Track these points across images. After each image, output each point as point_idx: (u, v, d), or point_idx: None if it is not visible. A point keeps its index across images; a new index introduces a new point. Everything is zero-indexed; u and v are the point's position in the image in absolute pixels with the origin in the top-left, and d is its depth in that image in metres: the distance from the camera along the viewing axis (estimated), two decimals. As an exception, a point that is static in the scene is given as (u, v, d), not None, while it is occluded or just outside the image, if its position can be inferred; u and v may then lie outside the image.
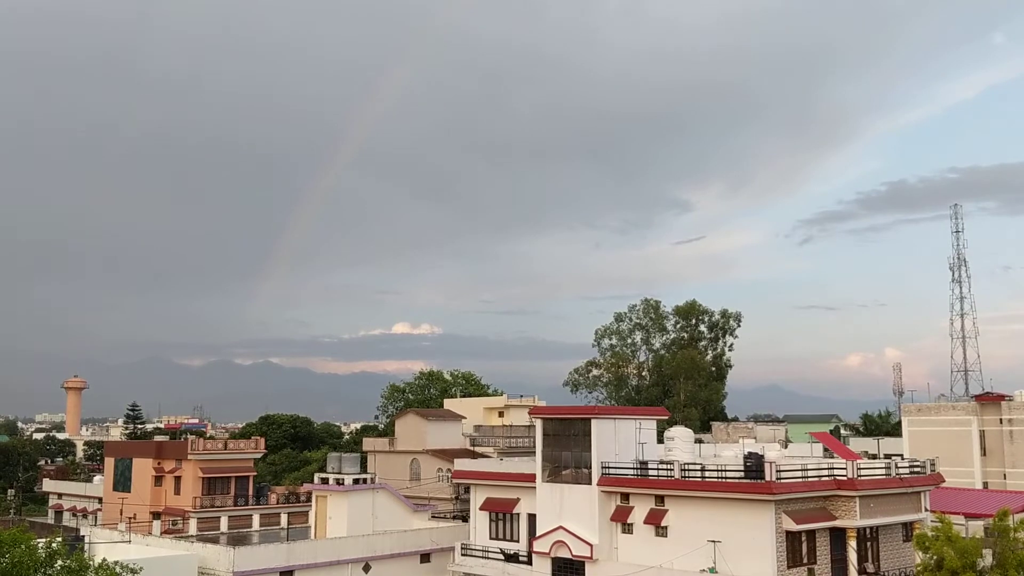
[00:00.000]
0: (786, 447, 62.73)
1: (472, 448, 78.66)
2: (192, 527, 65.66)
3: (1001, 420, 75.13)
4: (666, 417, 56.42)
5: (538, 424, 50.89)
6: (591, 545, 46.34)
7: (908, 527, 46.35)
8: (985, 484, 73.35)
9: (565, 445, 48.90)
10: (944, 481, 50.51)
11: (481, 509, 54.02)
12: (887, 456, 67.30)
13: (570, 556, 47.30)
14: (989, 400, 77.47)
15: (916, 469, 47.38)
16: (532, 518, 50.45)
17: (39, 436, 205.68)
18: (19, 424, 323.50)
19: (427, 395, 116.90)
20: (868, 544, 44.81)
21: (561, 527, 47.82)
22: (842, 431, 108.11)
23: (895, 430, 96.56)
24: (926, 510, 47.06)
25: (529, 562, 49.80)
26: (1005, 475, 73.71)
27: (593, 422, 47.68)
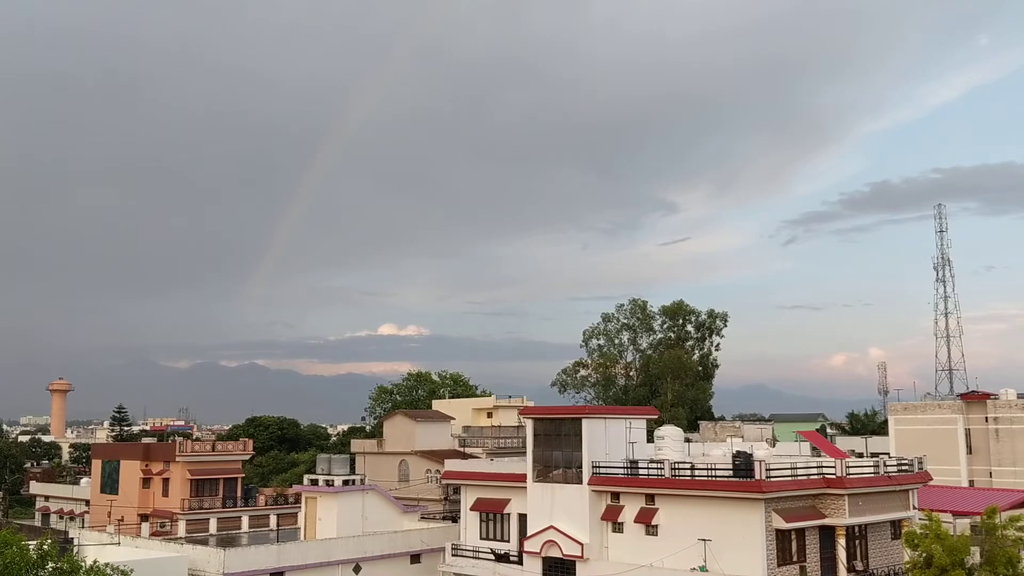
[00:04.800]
0: (774, 446, 63.13)
1: (461, 449, 78.75)
2: (181, 529, 65.51)
3: (987, 419, 75.74)
4: (656, 416, 56.66)
5: (528, 424, 51.04)
6: (582, 544, 46.51)
7: (896, 525, 46.76)
8: (971, 482, 73.94)
9: (555, 445, 49.04)
10: (932, 479, 50.93)
11: (471, 509, 54.10)
12: (873, 455, 67.76)
13: (561, 556, 47.45)
14: (975, 399, 78.05)
15: (904, 467, 47.76)
16: (523, 518, 50.56)
17: (24, 438, 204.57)
18: (3, 426, 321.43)
19: (415, 396, 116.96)
20: (857, 542, 45.12)
21: (552, 527, 47.97)
22: (828, 430, 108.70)
23: (881, 429, 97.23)
24: (914, 508, 47.46)
25: (520, 562, 49.92)
26: (991, 473, 74.35)
27: (584, 422, 47.86)
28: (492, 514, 53.11)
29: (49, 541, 37.44)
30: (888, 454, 65.10)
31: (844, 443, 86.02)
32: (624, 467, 46.69)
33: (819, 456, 50.11)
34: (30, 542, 37.61)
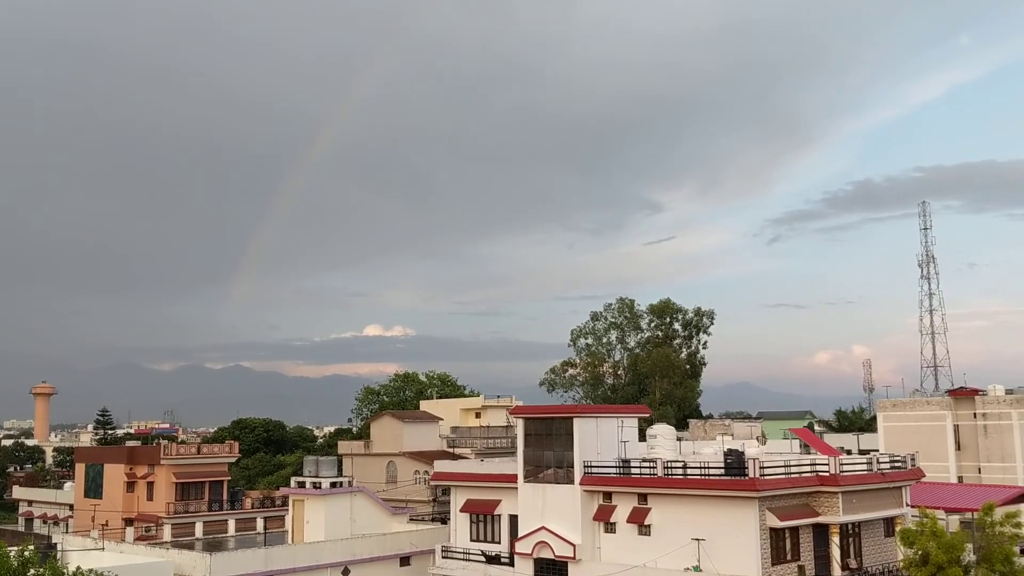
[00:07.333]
0: (764, 444, 62.73)
1: (450, 450, 78.17)
2: (166, 533, 64.54)
3: (975, 415, 75.57)
4: (648, 415, 56.19)
5: (519, 424, 50.47)
6: (574, 545, 46.00)
7: (890, 522, 46.46)
8: (960, 478, 73.77)
9: (547, 445, 48.48)
10: (924, 476, 50.66)
11: (462, 511, 53.53)
12: (862, 452, 67.42)
13: (553, 557, 46.93)
14: (963, 395, 77.88)
15: (897, 464, 47.45)
16: (514, 519, 50.05)
17: (7, 443, 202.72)
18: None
19: (402, 397, 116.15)
20: (851, 540, 44.81)
21: (543, 527, 47.45)
22: (816, 427, 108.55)
23: (868, 426, 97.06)
24: (907, 505, 47.16)
25: (511, 563, 49.40)
26: (980, 469, 74.21)
27: (575, 421, 47.34)
28: (482, 515, 52.55)
29: (31, 547, 36.64)
30: (877, 451, 64.85)
31: (833, 440, 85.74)
32: (616, 466, 46.21)
33: (810, 453, 49.75)
34: (11, 548, 36.80)
